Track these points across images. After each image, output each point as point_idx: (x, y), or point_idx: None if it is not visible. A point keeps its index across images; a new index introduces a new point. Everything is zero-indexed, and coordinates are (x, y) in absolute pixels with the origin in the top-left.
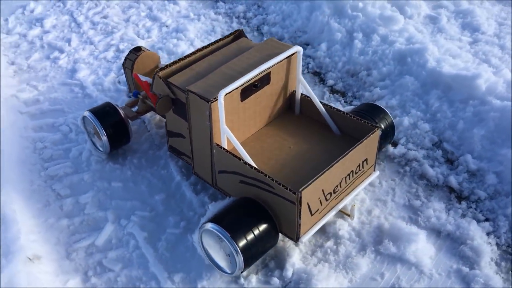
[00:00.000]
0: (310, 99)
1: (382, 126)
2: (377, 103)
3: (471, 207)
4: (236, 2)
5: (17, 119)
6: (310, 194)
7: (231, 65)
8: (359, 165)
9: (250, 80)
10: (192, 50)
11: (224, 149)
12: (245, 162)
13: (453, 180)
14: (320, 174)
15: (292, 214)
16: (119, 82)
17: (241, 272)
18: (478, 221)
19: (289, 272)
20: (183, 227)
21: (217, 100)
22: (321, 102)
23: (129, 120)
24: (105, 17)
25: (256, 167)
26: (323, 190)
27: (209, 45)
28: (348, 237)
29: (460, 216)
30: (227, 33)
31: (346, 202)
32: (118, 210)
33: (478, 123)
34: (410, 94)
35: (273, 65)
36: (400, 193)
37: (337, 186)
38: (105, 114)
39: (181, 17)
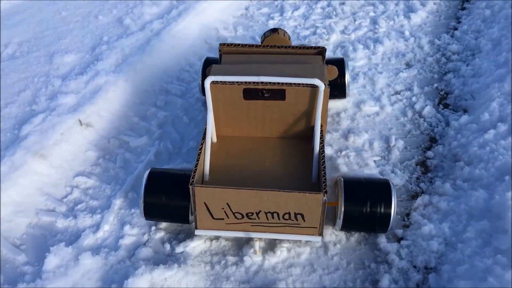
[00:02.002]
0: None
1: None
2: None
3: None
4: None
5: None
6: (206, 196)
7: (264, 66)
8: (288, 214)
9: (250, 83)
10: None
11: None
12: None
13: None
14: (224, 187)
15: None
16: None
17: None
18: None
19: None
20: None
21: (212, 83)
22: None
23: None
24: None
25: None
26: (228, 205)
27: (288, 46)
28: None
29: None
30: None
31: (266, 236)
32: None
33: None
34: None
35: (286, 84)
36: None
37: (252, 213)
38: None
39: None
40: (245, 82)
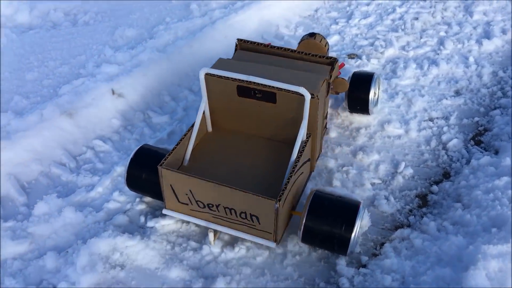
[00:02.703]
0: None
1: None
2: None
3: None
4: None
5: None
6: (172, 179)
7: (264, 67)
8: (244, 213)
9: (242, 81)
10: None
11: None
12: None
13: None
14: (188, 174)
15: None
16: None
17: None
18: None
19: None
20: None
21: (207, 75)
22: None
23: None
24: None
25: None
26: (191, 192)
27: (302, 52)
28: None
29: None
30: None
31: (224, 230)
32: None
33: None
34: None
35: (275, 88)
36: None
37: (212, 205)
38: None
39: None
40: (237, 80)
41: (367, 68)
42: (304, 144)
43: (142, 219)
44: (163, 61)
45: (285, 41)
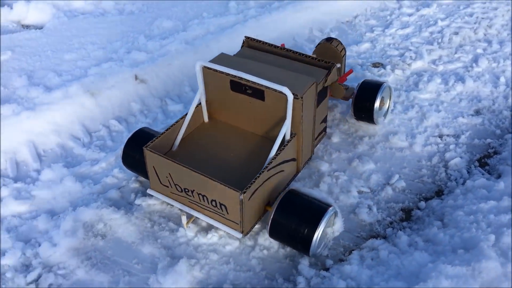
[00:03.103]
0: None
1: None
2: None
3: None
4: None
5: None
6: (154, 162)
7: (259, 65)
8: (215, 201)
9: (236, 77)
10: None
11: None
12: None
13: None
14: (167, 158)
15: None
16: None
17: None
18: None
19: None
20: None
21: (204, 68)
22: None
23: None
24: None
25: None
26: (170, 175)
27: (303, 54)
28: None
29: None
30: None
31: (197, 215)
32: None
33: None
34: None
35: (260, 85)
36: None
37: (188, 190)
38: None
39: None
40: (230, 75)
41: (390, 79)
42: (286, 143)
43: (133, 196)
44: (189, 53)
45: (316, 44)
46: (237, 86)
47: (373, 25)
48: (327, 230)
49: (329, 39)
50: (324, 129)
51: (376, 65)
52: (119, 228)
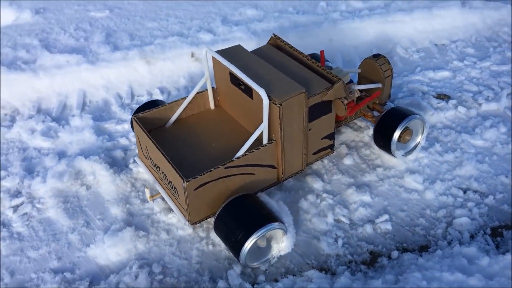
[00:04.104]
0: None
1: None
2: None
3: None
4: None
5: None
6: (138, 132)
7: (262, 64)
8: (171, 183)
9: (231, 70)
10: None
11: None
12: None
13: None
14: (146, 132)
15: None
16: None
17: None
18: None
19: None
20: None
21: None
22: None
23: None
24: None
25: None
26: (146, 148)
27: (316, 63)
28: None
29: None
30: None
31: (161, 192)
32: None
33: None
34: None
35: (248, 84)
36: None
37: (157, 166)
38: None
39: None
40: (227, 67)
41: (447, 115)
42: (260, 147)
43: (130, 160)
44: (251, 42)
45: (392, 62)
46: (234, 79)
47: (468, 54)
48: (274, 246)
49: (376, 56)
50: (330, 147)
51: (440, 96)
52: (103, 184)
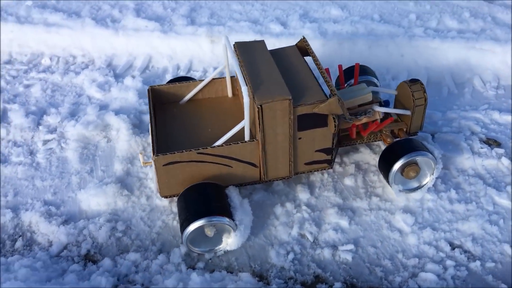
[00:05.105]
0: None
1: None
2: None
3: None
4: None
5: None
6: (150, 101)
7: (271, 66)
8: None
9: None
10: None
11: None
12: None
13: None
14: (150, 109)
15: None
16: None
17: None
18: None
19: None
20: None
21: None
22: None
23: None
24: None
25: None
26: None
27: (326, 77)
28: None
29: None
30: None
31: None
32: None
33: None
34: None
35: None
36: None
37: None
38: None
39: None
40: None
41: (487, 163)
42: (240, 142)
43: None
44: (315, 42)
45: (461, 92)
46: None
47: None
48: (223, 240)
49: (413, 81)
50: (327, 162)
51: (489, 141)
52: (121, 141)
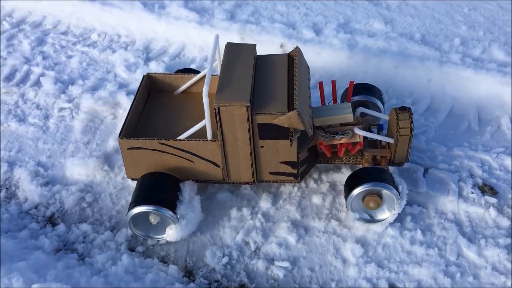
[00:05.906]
0: None
1: None
2: None
3: None
4: None
5: None
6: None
7: (256, 73)
8: None
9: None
10: None
11: None
12: None
13: None
14: (135, 95)
15: None
16: None
17: None
18: None
19: None
20: None
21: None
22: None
23: None
24: None
25: None
26: None
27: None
28: None
29: None
30: None
31: None
32: None
33: None
34: None
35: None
36: None
37: None
38: None
39: None
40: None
41: (471, 210)
42: (202, 140)
43: None
44: (342, 54)
45: (483, 130)
46: None
47: None
48: (167, 231)
49: (402, 109)
50: (294, 175)
51: (484, 188)
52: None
